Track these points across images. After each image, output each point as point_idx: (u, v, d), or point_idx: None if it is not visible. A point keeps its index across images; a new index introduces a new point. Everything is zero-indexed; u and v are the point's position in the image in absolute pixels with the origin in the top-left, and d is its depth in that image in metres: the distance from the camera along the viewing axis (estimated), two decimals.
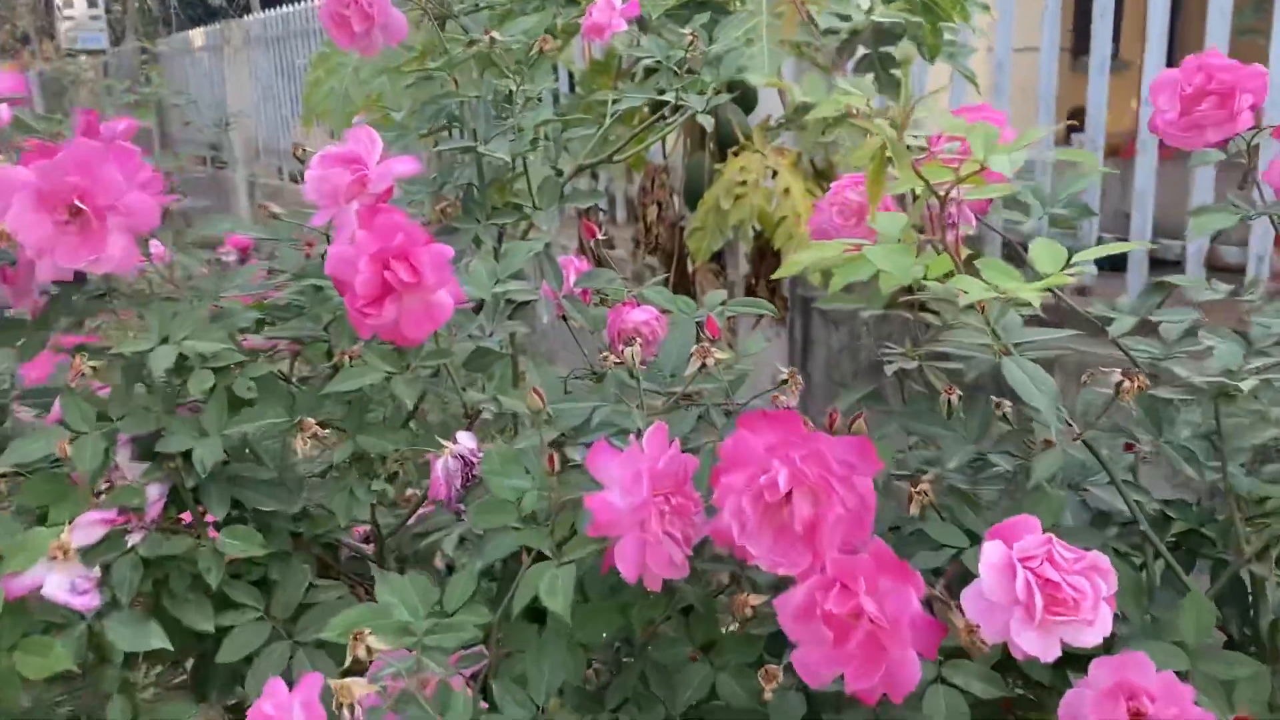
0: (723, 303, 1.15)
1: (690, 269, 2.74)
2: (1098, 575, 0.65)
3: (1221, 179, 2.15)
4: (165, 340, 0.87)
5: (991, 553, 0.65)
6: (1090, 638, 0.65)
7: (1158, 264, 2.57)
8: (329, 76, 3.66)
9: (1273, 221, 0.99)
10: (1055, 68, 2.56)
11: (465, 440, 0.96)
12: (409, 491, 1.23)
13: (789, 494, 0.69)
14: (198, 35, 10.09)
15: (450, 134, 1.29)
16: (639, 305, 1.28)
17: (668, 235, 2.90)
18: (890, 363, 1.03)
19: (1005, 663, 0.83)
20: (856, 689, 0.68)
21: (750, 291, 2.92)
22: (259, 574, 1.03)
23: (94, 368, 0.89)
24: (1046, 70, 2.49)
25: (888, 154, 0.74)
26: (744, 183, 2.57)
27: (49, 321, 0.89)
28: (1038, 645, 0.64)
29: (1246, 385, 0.76)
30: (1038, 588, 0.63)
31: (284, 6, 7.82)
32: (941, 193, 0.75)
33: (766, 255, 2.82)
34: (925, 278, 0.79)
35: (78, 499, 0.87)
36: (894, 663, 0.67)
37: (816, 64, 2.40)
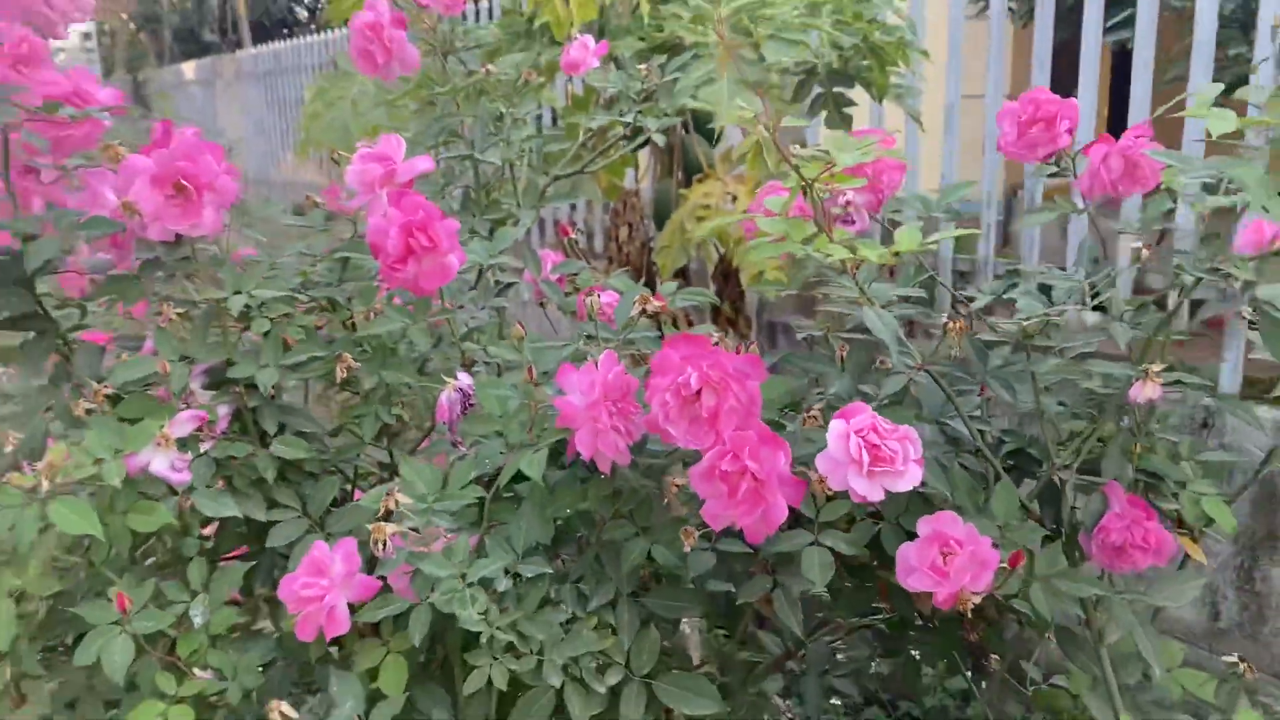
0: (674, 291, 1.44)
1: (657, 284, 3.03)
2: (909, 442, 0.93)
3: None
4: (238, 291, 1.15)
5: (835, 426, 0.93)
6: (903, 485, 0.93)
7: None
8: (327, 109, 3.97)
9: (1090, 217, 1.29)
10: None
11: (463, 378, 1.24)
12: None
13: (699, 391, 0.97)
14: (189, 68, 10.40)
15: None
16: (604, 290, 1.57)
17: (637, 253, 3.19)
18: (801, 331, 1.31)
19: (874, 544, 1.12)
20: (743, 525, 0.96)
21: (715, 309, 3.21)
22: (294, 488, 1.30)
23: (179, 313, 1.17)
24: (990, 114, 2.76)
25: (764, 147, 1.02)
26: (707, 206, 2.86)
27: (146, 276, 1.17)
28: (867, 489, 0.92)
29: (1030, 325, 1.05)
30: (865, 448, 0.91)
31: (275, 43, 8.16)
32: (811, 182, 1.04)
33: (731, 276, 3.12)
34: (812, 247, 1.08)
35: (164, 413, 1.14)
36: (768, 506, 0.95)
37: (778, 101, 2.71)
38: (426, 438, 1.36)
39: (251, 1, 11.78)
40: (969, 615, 1.15)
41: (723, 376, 0.96)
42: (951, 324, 1.06)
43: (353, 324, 1.34)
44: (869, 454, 0.92)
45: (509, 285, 1.48)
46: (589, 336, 1.17)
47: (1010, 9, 6.71)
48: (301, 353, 1.18)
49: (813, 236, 1.08)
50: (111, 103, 1.24)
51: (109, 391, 1.14)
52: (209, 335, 1.17)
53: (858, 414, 0.94)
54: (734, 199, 2.84)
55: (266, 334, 1.19)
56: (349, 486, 1.42)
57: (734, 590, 1.20)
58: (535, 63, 2.13)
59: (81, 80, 1.22)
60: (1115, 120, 3.21)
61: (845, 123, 2.76)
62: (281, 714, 0.90)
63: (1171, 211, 1.23)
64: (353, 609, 1.05)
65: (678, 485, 1.07)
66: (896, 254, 1.07)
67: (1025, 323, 1.08)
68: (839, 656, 1.55)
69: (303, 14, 13.06)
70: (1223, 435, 2.06)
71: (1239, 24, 3.75)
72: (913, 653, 1.48)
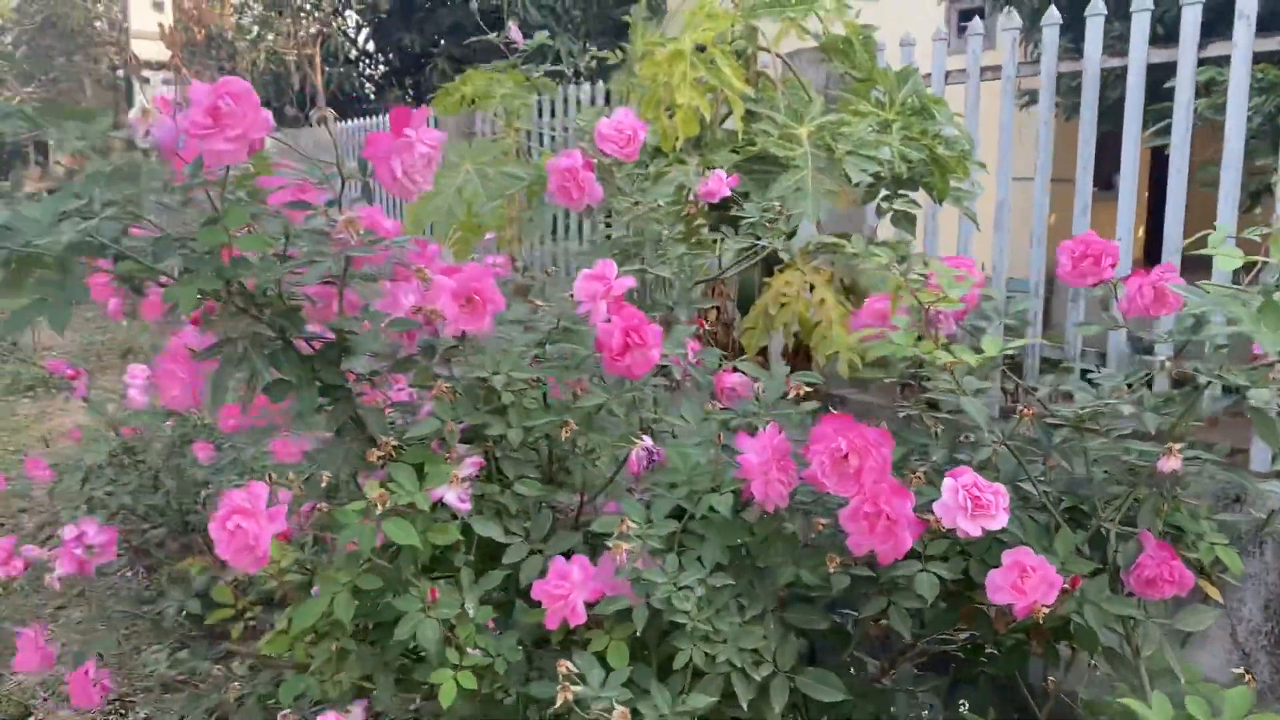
0: (788, 373, 1.85)
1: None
2: (1000, 495, 1.33)
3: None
4: (497, 372, 1.57)
5: (947, 483, 1.33)
6: (996, 525, 1.32)
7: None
8: (434, 195, 4.48)
9: (1129, 332, 1.68)
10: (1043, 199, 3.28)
11: (647, 440, 1.65)
12: None
13: (846, 454, 1.37)
14: (269, 142, 11.07)
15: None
16: (733, 372, 1.98)
17: (724, 333, 3.61)
18: (903, 409, 1.72)
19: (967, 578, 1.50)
20: (879, 551, 1.35)
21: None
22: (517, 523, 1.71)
23: (449, 388, 1.59)
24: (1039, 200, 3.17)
25: (899, 286, 1.44)
26: (787, 294, 3.26)
27: (427, 359, 1.59)
28: (970, 527, 1.31)
29: (1080, 412, 1.44)
30: (969, 498, 1.31)
31: (351, 120, 8.78)
32: (928, 305, 1.45)
33: (799, 354, 3.51)
34: (919, 349, 1.49)
35: (438, 460, 1.55)
36: (897, 540, 1.34)
37: (851, 202, 3.13)
38: (608, 485, 1.77)
39: (328, 78, 12.53)
40: (1039, 629, 1.53)
41: (865, 444, 1.36)
42: (1025, 410, 1.46)
43: (545, 395, 1.76)
44: (971, 502, 1.31)
45: (664, 368, 1.89)
46: (751, 411, 1.58)
47: (1057, 103, 7.21)
48: (539, 417, 1.59)
49: (916, 340, 1.49)
50: (395, 233, 1.68)
51: (395, 444, 1.56)
52: (470, 403, 1.59)
53: (963, 474, 1.34)
54: (811, 288, 3.24)
55: (510, 404, 1.61)
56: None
57: (855, 613, 1.59)
58: (665, 183, 2.57)
59: (374, 215, 1.67)
60: (1156, 207, 3.61)
61: (909, 222, 3.21)
62: (567, 669, 1.29)
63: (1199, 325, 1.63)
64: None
65: (821, 524, 1.47)
66: (985, 358, 1.48)
67: (1080, 411, 1.48)
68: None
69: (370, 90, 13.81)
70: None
71: (1267, 136, 4.18)
72: (984, 671, 1.84)
